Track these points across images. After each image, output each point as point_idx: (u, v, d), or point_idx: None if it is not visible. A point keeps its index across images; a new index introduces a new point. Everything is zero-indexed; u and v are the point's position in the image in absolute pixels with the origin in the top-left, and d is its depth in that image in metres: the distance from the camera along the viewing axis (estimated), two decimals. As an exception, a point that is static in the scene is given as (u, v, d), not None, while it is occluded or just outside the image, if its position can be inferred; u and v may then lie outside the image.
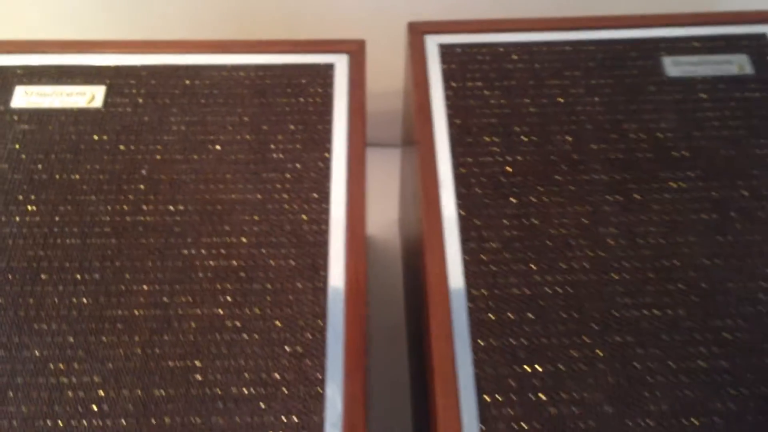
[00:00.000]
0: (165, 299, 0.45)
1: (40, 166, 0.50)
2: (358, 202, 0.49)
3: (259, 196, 0.49)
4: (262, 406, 0.42)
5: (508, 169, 0.51)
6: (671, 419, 0.42)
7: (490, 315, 0.45)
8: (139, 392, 0.42)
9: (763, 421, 0.42)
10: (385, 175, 0.82)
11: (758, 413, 0.42)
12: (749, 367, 0.44)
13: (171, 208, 0.48)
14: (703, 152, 0.52)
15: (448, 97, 0.54)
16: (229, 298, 0.45)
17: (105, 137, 0.51)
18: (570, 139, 0.52)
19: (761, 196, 0.50)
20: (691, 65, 0.56)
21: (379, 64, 0.68)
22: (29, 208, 0.48)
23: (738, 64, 0.56)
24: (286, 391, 0.42)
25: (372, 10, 0.70)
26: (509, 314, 0.45)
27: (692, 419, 0.42)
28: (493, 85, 0.55)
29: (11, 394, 0.42)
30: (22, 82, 0.53)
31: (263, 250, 0.47)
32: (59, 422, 0.41)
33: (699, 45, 0.56)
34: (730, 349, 0.44)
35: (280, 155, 0.51)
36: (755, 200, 0.50)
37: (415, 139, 0.52)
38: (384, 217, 0.82)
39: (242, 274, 0.46)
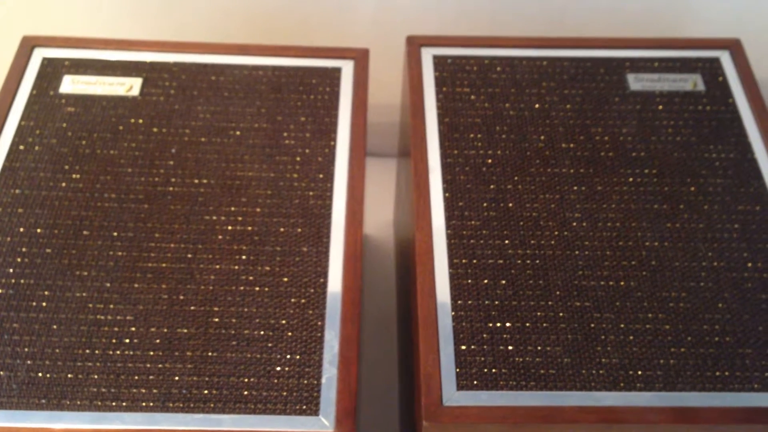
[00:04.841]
0: (189, 255, 0.52)
1: (84, 142, 0.58)
2: (357, 183, 0.56)
3: (272, 174, 0.57)
4: (270, 345, 0.49)
5: (489, 161, 0.59)
6: (620, 370, 0.49)
7: (468, 280, 0.53)
8: (165, 330, 0.49)
9: (698, 376, 0.49)
10: (382, 182, 0.89)
11: (695, 369, 0.50)
12: (689, 331, 0.51)
13: (196, 181, 0.56)
14: (659, 154, 0.60)
15: (439, 99, 0.62)
16: (244, 257, 0.53)
17: (140, 121, 0.59)
18: (543, 138, 0.60)
19: (707, 192, 0.58)
20: (651, 81, 0.64)
21: (380, 81, 0.76)
22: (74, 176, 0.56)
23: (692, 82, 0.64)
24: (290, 334, 0.49)
25: (375, 29, 0.79)
26: (485, 280, 0.53)
27: (638, 371, 0.50)
28: (479, 91, 0.63)
29: (55, 326, 0.49)
30: (69, 72, 0.61)
31: (275, 219, 0.54)
32: (96, 351, 0.48)
33: (658, 65, 0.65)
34: (673, 315, 0.52)
35: (292, 141, 0.59)
36: (701, 195, 0.58)
37: (409, 132, 0.60)
38: (380, 220, 0.90)
39: (256, 238, 0.53)
